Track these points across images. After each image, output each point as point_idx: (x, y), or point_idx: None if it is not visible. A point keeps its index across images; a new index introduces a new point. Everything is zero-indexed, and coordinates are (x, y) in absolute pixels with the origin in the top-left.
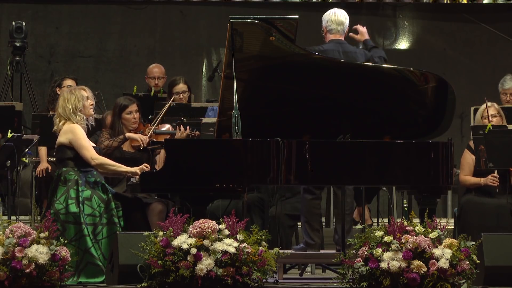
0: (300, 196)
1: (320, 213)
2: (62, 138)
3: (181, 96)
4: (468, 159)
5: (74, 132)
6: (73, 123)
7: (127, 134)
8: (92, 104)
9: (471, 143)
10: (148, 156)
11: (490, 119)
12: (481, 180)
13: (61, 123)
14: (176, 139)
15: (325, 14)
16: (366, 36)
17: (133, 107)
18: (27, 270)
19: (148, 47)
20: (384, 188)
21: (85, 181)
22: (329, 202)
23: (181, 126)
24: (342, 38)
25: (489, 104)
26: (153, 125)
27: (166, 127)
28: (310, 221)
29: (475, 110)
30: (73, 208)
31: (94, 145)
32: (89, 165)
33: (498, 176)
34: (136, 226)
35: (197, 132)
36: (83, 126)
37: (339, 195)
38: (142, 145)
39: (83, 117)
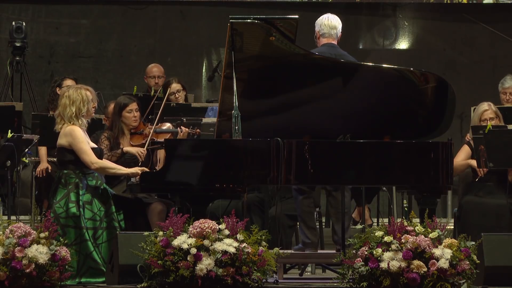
0: None
1: (313, 211)
2: (62, 141)
3: (177, 95)
4: (466, 148)
5: (73, 136)
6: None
7: (125, 149)
8: (94, 107)
9: (468, 137)
10: (148, 156)
11: (489, 122)
12: (470, 161)
13: (60, 125)
14: (176, 139)
15: (318, 19)
16: None
17: (134, 105)
18: (27, 270)
19: (148, 47)
20: (384, 188)
21: (86, 185)
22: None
23: (182, 127)
24: (335, 42)
25: (486, 107)
26: (153, 124)
27: (167, 125)
28: (304, 220)
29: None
30: (73, 210)
31: (95, 145)
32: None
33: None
34: (136, 226)
35: (198, 130)
36: (83, 128)
37: (335, 195)
38: (140, 159)
39: (84, 121)
